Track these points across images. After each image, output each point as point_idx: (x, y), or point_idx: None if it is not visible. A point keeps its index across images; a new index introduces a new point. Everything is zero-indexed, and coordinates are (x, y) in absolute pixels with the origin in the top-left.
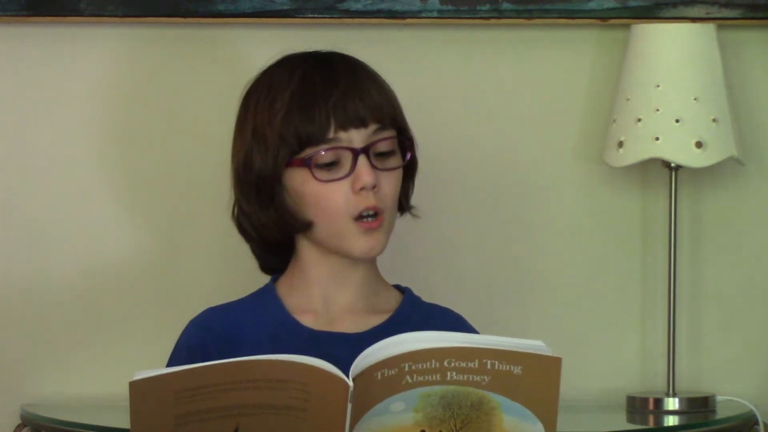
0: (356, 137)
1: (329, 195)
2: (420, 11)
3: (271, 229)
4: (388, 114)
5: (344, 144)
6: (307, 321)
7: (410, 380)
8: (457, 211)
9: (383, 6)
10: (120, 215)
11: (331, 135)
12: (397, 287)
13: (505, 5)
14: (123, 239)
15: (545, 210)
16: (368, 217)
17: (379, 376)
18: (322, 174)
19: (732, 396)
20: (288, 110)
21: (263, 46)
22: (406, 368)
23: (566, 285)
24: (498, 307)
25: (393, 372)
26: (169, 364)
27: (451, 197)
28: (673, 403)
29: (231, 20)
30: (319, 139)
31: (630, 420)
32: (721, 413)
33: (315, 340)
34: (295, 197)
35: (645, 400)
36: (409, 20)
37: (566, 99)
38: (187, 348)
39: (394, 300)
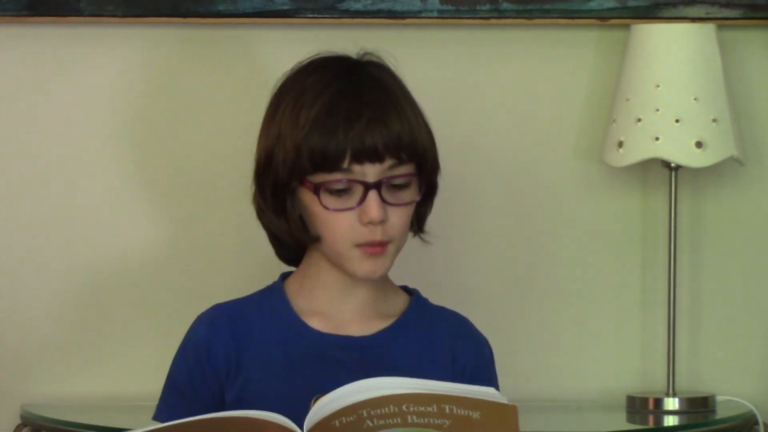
0: (370, 171)
1: (336, 221)
2: (420, 11)
3: (283, 234)
4: (407, 147)
5: (357, 177)
6: (315, 324)
7: (371, 424)
8: (456, 211)
9: (383, 6)
10: (120, 215)
11: (345, 165)
12: (405, 289)
13: (505, 5)
14: (123, 238)
15: (545, 210)
16: (372, 244)
17: (337, 424)
18: (331, 201)
19: (732, 396)
20: (310, 129)
21: (263, 46)
22: (365, 414)
23: (566, 285)
24: (498, 306)
25: (352, 419)
26: (176, 359)
27: (451, 197)
28: (673, 403)
29: (231, 20)
30: (332, 167)
31: (630, 420)
32: (721, 413)
33: (322, 344)
34: (306, 211)
35: (645, 400)
36: (409, 20)
37: (566, 99)
38: (193, 344)
39: (401, 303)
